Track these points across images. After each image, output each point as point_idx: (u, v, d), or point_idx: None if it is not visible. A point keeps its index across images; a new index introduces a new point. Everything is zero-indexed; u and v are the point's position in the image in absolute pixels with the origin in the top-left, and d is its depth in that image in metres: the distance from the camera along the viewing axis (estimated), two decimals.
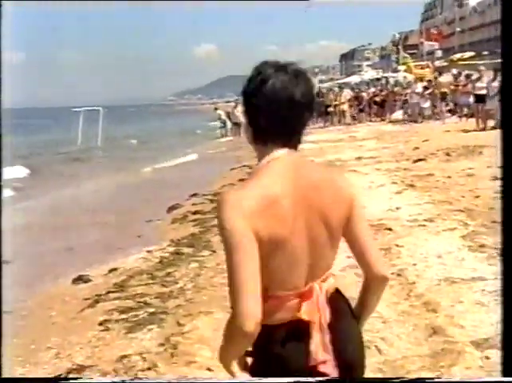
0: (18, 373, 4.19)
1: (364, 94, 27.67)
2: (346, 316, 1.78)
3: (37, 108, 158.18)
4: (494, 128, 16.55)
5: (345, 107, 26.42)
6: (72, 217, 10.09)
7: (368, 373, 2.00)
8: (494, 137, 14.33)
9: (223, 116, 27.93)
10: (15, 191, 12.54)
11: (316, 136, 19.47)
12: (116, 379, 3.05)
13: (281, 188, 1.62)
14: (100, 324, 4.86)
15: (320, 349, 1.66)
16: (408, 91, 24.92)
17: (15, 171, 17.65)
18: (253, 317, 1.54)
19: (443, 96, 22.49)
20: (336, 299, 1.76)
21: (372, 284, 1.83)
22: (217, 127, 29.09)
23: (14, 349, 4.72)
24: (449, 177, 9.79)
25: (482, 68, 18.43)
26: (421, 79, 28.54)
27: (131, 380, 3.09)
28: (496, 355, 3.55)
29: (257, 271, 1.56)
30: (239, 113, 25.76)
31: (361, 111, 26.88)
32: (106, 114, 30.48)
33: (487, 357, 3.54)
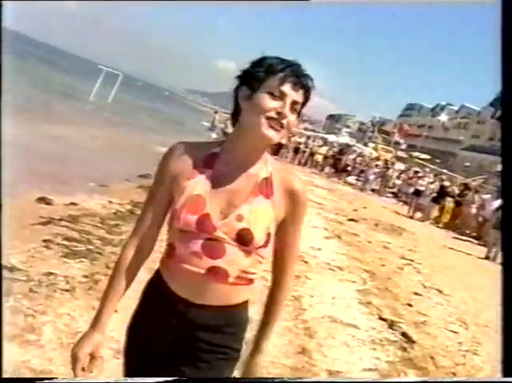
0: None
1: (333, 153, 27.98)
2: None
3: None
4: (420, 219, 17.04)
5: (319, 157, 26.73)
6: (63, 149, 9.91)
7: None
8: (416, 226, 14.83)
9: (216, 122, 27.63)
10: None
11: None
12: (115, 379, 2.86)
13: None
14: (44, 241, 4.79)
15: None
16: (367, 165, 25.53)
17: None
18: None
19: (389, 180, 23.32)
20: None
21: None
22: (206, 127, 28.62)
23: None
24: (369, 242, 9.98)
25: (427, 170, 19.15)
26: (385, 161, 29.15)
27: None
28: None
29: None
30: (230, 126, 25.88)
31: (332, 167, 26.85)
32: (122, 81, 29.72)
33: None
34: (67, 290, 3.87)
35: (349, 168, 25.82)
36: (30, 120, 11.82)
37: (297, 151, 26.62)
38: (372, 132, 60.04)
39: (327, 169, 26.37)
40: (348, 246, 8.98)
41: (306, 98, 1.48)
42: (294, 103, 1.44)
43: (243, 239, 1.44)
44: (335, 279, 6.56)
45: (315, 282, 6.08)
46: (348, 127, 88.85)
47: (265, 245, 1.49)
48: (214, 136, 25.07)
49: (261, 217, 1.46)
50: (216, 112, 29.02)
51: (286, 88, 1.43)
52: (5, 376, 1.79)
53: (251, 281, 1.53)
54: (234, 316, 1.53)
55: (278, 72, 1.43)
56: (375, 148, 40.10)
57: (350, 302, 5.76)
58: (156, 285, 1.54)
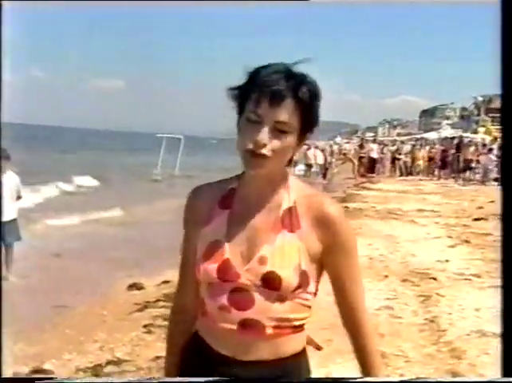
0: (65, 358, 4.48)
1: (438, 152, 27.20)
2: None
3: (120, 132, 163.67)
4: None
5: (420, 162, 26.24)
6: (142, 231, 10.54)
7: None
8: None
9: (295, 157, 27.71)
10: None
11: (382, 185, 19.51)
12: (114, 379, 3.03)
13: None
14: (145, 326, 5.11)
15: None
16: (483, 153, 24.54)
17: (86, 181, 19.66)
18: None
19: None
20: None
21: None
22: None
23: (66, 338, 5.05)
24: None
25: None
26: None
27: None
28: None
29: None
30: (311, 155, 25.51)
31: (442, 168, 26.02)
32: (186, 143, 30.47)
33: None
34: None
35: (473, 164, 24.49)
36: (101, 210, 12.70)
37: (394, 161, 26.25)
38: (479, 115, 57.97)
39: (436, 171, 25.71)
40: (480, 249, 8.69)
41: (302, 108, 1.33)
42: (278, 123, 1.31)
43: (271, 284, 1.36)
44: (474, 289, 6.36)
45: (450, 298, 5.94)
46: (448, 118, 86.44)
47: (303, 286, 1.39)
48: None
49: (287, 256, 1.37)
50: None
51: (262, 109, 1.31)
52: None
53: (298, 328, 1.44)
54: (290, 370, 1.44)
55: (255, 89, 1.32)
56: (487, 132, 38.58)
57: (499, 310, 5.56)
58: (197, 346, 1.49)
